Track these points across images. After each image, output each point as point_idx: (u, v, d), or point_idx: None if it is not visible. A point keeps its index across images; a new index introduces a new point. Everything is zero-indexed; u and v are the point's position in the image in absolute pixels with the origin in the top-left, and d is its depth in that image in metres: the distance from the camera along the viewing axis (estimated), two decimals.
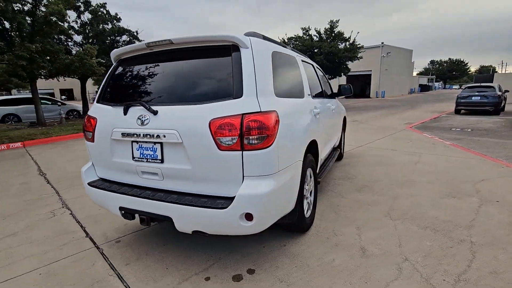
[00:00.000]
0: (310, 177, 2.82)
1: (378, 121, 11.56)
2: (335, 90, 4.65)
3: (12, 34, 10.07)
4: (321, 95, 3.68)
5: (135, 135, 2.01)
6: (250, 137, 1.73)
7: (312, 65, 3.72)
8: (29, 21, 10.12)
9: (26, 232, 2.90)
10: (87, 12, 13.50)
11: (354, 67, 29.63)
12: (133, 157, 2.09)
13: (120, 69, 2.37)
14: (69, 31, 13.44)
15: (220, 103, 1.81)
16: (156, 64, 2.19)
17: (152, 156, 2.01)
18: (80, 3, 12.76)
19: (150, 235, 2.74)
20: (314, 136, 2.72)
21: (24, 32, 10.06)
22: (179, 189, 1.99)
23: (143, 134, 1.97)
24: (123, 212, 2.14)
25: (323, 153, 3.35)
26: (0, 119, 13.55)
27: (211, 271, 2.14)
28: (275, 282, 1.99)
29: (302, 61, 3.13)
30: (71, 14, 13.14)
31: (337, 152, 4.71)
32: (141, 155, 2.05)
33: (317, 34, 22.60)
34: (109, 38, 13.93)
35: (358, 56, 21.84)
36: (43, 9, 10.13)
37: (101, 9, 13.91)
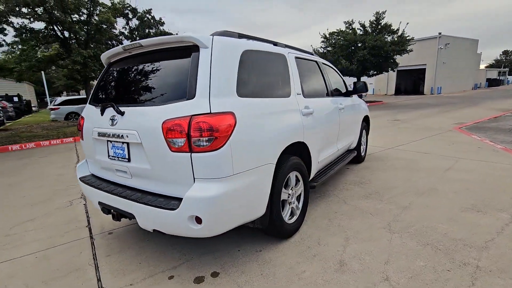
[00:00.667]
0: (298, 181, 2.68)
1: (424, 120, 10.47)
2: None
3: (71, 42, 11.44)
4: (324, 93, 3.45)
5: (107, 135, 2.12)
6: (198, 139, 1.70)
7: (316, 61, 3.50)
8: (84, 30, 11.37)
9: (43, 219, 3.27)
10: (134, 18, 14.69)
11: (406, 61, 27.23)
12: (108, 155, 2.21)
13: (108, 71, 2.53)
14: (120, 37, 14.81)
15: (174, 104, 1.81)
16: (132, 66, 2.28)
17: (122, 155, 2.10)
18: (128, 11, 13.95)
19: (140, 229, 2.88)
20: (300, 138, 2.56)
21: (80, 39, 11.36)
22: (144, 188, 2.05)
23: (112, 134, 2.07)
24: (101, 207, 2.28)
25: (321, 156, 3.15)
26: (65, 117, 15.63)
27: (178, 270, 2.17)
28: None
29: (297, 58, 2.97)
30: (121, 22, 14.45)
31: (353, 154, 4.40)
32: (114, 153, 2.16)
33: (361, 28, 21.29)
34: None
35: (408, 49, 20.00)
36: (96, 18, 11.29)
37: (147, 15, 15.01)
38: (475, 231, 2.53)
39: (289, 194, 2.53)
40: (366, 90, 4.23)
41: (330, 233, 2.63)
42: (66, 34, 10.99)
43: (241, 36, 2.32)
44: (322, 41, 22.94)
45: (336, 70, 4.25)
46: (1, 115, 12.57)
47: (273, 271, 2.11)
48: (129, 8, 13.76)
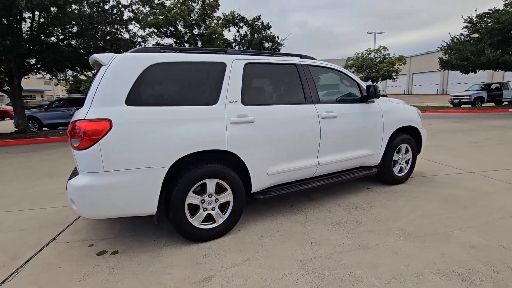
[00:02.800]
0: (225, 189, 2.66)
1: None
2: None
3: None
4: (298, 100, 3.11)
5: None
6: (74, 139, 2.13)
7: (295, 65, 3.17)
8: (199, 41, 13.84)
9: None
10: (245, 26, 16.44)
11: None
12: None
13: None
14: (234, 44, 16.98)
15: (77, 111, 2.32)
16: None
17: None
18: (237, 20, 15.78)
19: None
20: (221, 146, 2.54)
21: None
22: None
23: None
24: None
25: (277, 168, 2.91)
26: None
27: (100, 242, 2.69)
28: (107, 268, 2.26)
29: (250, 63, 2.87)
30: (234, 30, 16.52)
31: (367, 172, 3.70)
32: None
33: None
34: (255, 46, 16.33)
35: None
36: (207, 30, 13.53)
37: (256, 22, 16.45)
38: None
39: (203, 199, 2.58)
40: (376, 95, 3.42)
41: (241, 249, 2.50)
42: (187, 45, 13.80)
43: (165, 49, 2.57)
44: (466, 27, 18.13)
45: (346, 72, 3.62)
46: None
47: (150, 265, 2.29)
48: (238, 18, 15.56)
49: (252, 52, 3.13)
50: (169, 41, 14.15)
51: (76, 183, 2.16)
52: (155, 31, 13.46)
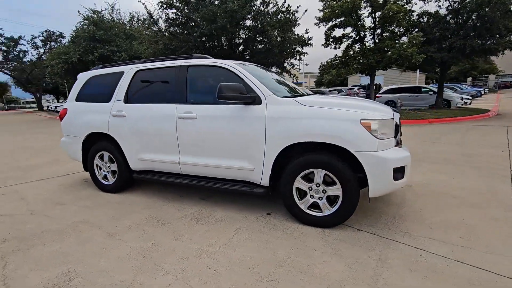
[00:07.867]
0: (113, 161, 3.86)
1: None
2: None
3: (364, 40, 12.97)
4: (171, 99, 3.35)
5: None
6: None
7: (174, 67, 3.35)
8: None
9: None
10: None
11: None
12: None
13: None
14: (423, 19, 13.09)
15: None
16: None
17: None
18: None
19: None
20: (104, 130, 3.73)
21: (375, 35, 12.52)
22: None
23: None
24: None
25: (145, 156, 3.54)
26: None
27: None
28: (72, 198, 4.37)
29: (141, 70, 3.60)
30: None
31: (244, 188, 3.09)
32: None
33: None
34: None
35: None
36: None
37: None
38: None
39: (103, 164, 3.96)
40: (219, 97, 2.65)
41: (95, 206, 3.63)
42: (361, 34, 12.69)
43: (104, 66, 4.07)
44: None
45: (234, 70, 3.02)
46: None
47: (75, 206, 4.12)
48: None
49: (157, 60, 3.72)
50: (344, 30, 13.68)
51: (62, 139, 4.41)
52: (336, 23, 13.57)
